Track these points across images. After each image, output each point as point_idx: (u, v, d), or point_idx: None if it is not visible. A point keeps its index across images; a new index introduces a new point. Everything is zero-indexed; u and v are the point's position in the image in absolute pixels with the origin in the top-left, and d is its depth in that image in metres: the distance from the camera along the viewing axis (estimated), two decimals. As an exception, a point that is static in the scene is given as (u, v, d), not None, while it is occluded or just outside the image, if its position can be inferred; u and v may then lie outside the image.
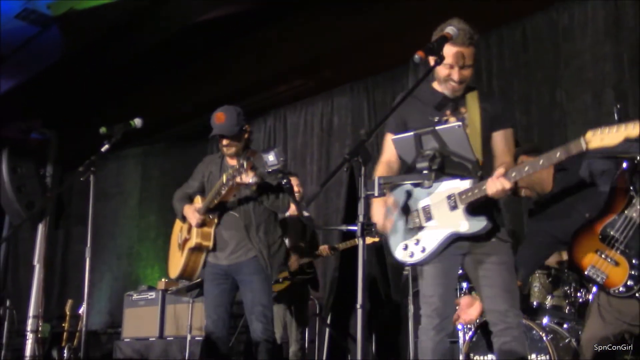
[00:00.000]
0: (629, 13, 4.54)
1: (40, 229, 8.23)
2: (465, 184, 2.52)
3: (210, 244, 3.54)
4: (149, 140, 8.05)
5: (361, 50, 5.78)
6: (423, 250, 2.59)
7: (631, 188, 2.80)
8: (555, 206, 3.19)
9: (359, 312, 1.98)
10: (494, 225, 2.56)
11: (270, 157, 2.41)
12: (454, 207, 2.54)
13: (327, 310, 6.07)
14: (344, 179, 6.17)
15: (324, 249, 5.00)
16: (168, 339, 6.04)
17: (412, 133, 2.40)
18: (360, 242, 2.02)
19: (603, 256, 2.81)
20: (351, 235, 5.10)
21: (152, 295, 6.36)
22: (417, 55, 2.29)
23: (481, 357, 3.69)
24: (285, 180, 2.94)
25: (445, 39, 2.41)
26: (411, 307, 4.41)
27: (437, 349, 2.60)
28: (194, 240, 3.52)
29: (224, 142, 3.51)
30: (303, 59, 6.11)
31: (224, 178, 3.27)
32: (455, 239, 2.58)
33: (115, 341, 6.53)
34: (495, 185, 2.43)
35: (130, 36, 6.01)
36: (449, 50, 2.51)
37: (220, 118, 3.50)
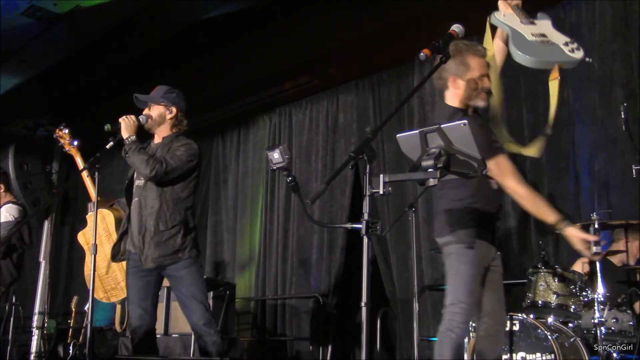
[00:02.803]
0: (636, 11, 4.51)
1: (46, 225, 8.28)
2: None
3: None
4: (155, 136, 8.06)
5: (366, 47, 5.77)
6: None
7: None
8: None
9: (364, 310, 1.97)
10: None
11: (275, 155, 2.39)
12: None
13: (332, 309, 6.07)
14: (349, 177, 6.16)
15: None
16: (173, 335, 6.04)
17: (417, 131, 2.39)
18: (365, 240, 2.01)
19: None
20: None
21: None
22: (423, 53, 2.28)
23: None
24: (290, 178, 2.94)
25: (451, 37, 2.40)
26: (416, 306, 4.40)
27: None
28: None
29: (145, 112, 3.63)
30: (308, 57, 6.10)
31: None
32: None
33: (120, 337, 6.54)
34: None
35: (136, 33, 6.02)
36: (481, 62, 2.79)
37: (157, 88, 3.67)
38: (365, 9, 5.36)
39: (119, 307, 4.37)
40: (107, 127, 3.48)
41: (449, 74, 2.81)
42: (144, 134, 3.65)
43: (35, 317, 7.54)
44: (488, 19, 2.86)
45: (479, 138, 2.73)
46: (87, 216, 4.69)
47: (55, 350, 6.56)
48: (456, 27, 2.43)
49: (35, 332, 7.05)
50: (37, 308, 7.73)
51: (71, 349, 6.26)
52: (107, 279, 4.23)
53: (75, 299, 6.61)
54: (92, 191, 3.93)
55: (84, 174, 4.10)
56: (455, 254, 2.76)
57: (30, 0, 5.26)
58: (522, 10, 2.87)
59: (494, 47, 2.94)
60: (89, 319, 3.33)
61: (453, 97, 2.84)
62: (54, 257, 8.32)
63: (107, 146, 3.47)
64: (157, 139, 3.65)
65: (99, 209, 4.02)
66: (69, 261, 8.93)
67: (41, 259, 8.03)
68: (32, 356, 6.87)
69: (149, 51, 6.29)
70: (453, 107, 2.82)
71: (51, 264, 8.11)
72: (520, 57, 2.70)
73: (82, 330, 6.24)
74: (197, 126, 7.41)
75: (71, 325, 6.51)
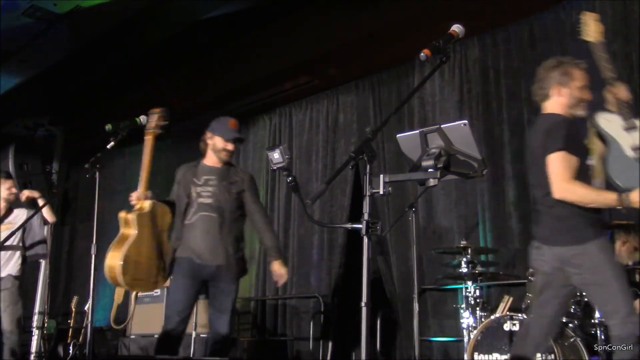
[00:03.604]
0: (636, 11, 4.51)
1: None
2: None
3: None
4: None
5: (367, 47, 5.77)
6: None
7: None
8: None
9: (364, 310, 1.97)
10: None
11: (276, 155, 2.39)
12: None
13: (332, 309, 6.07)
14: (349, 177, 6.16)
15: None
16: (173, 335, 6.05)
17: (417, 131, 2.39)
18: (365, 240, 2.01)
19: None
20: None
21: (157, 292, 6.37)
22: (423, 53, 2.28)
23: (486, 356, 3.69)
24: (290, 178, 2.94)
25: (451, 37, 2.40)
26: (416, 306, 4.40)
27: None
28: None
29: (230, 147, 3.80)
30: (308, 57, 6.10)
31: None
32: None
33: (120, 338, 6.55)
34: None
35: (136, 33, 6.02)
36: (582, 74, 2.90)
37: (237, 125, 3.86)
38: (365, 9, 5.36)
39: (115, 305, 4.28)
40: (109, 127, 3.48)
41: (552, 82, 2.91)
42: (138, 134, 3.66)
43: (35, 317, 7.53)
44: (592, 119, 2.93)
45: (567, 133, 2.73)
46: (142, 201, 4.05)
47: (55, 350, 6.55)
48: (456, 27, 2.42)
49: (35, 332, 7.04)
50: (37, 308, 7.73)
51: (71, 349, 6.26)
52: (142, 268, 3.81)
53: (75, 299, 6.61)
54: (147, 158, 3.81)
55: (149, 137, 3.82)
56: (609, 263, 2.71)
57: (30, 0, 5.27)
58: (627, 107, 2.92)
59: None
60: (89, 319, 3.33)
61: (555, 105, 2.92)
62: (54, 257, 8.32)
63: (108, 146, 3.47)
64: (217, 164, 3.82)
65: (161, 204, 3.97)
66: (69, 261, 8.93)
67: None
68: (32, 356, 6.86)
69: (149, 51, 6.29)
70: (557, 114, 2.88)
71: (51, 264, 8.11)
72: (612, 180, 2.77)
73: (82, 330, 6.24)
74: (198, 125, 7.44)
75: (71, 325, 6.51)
